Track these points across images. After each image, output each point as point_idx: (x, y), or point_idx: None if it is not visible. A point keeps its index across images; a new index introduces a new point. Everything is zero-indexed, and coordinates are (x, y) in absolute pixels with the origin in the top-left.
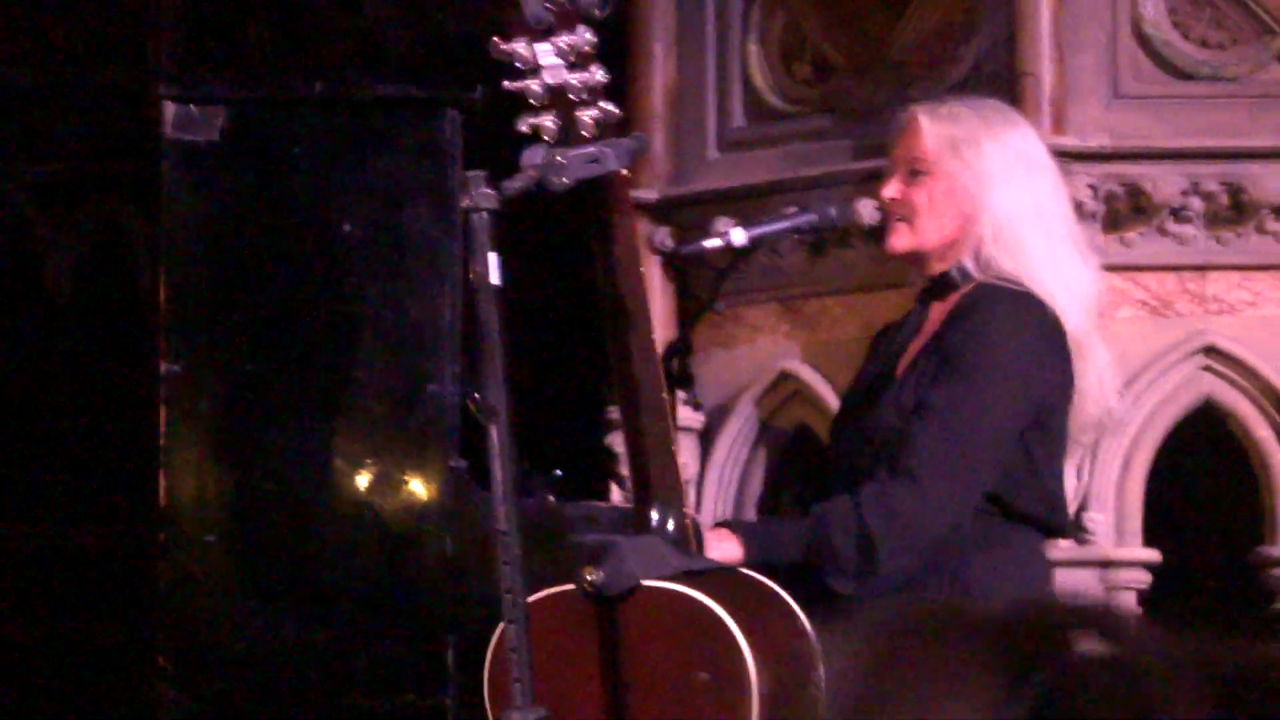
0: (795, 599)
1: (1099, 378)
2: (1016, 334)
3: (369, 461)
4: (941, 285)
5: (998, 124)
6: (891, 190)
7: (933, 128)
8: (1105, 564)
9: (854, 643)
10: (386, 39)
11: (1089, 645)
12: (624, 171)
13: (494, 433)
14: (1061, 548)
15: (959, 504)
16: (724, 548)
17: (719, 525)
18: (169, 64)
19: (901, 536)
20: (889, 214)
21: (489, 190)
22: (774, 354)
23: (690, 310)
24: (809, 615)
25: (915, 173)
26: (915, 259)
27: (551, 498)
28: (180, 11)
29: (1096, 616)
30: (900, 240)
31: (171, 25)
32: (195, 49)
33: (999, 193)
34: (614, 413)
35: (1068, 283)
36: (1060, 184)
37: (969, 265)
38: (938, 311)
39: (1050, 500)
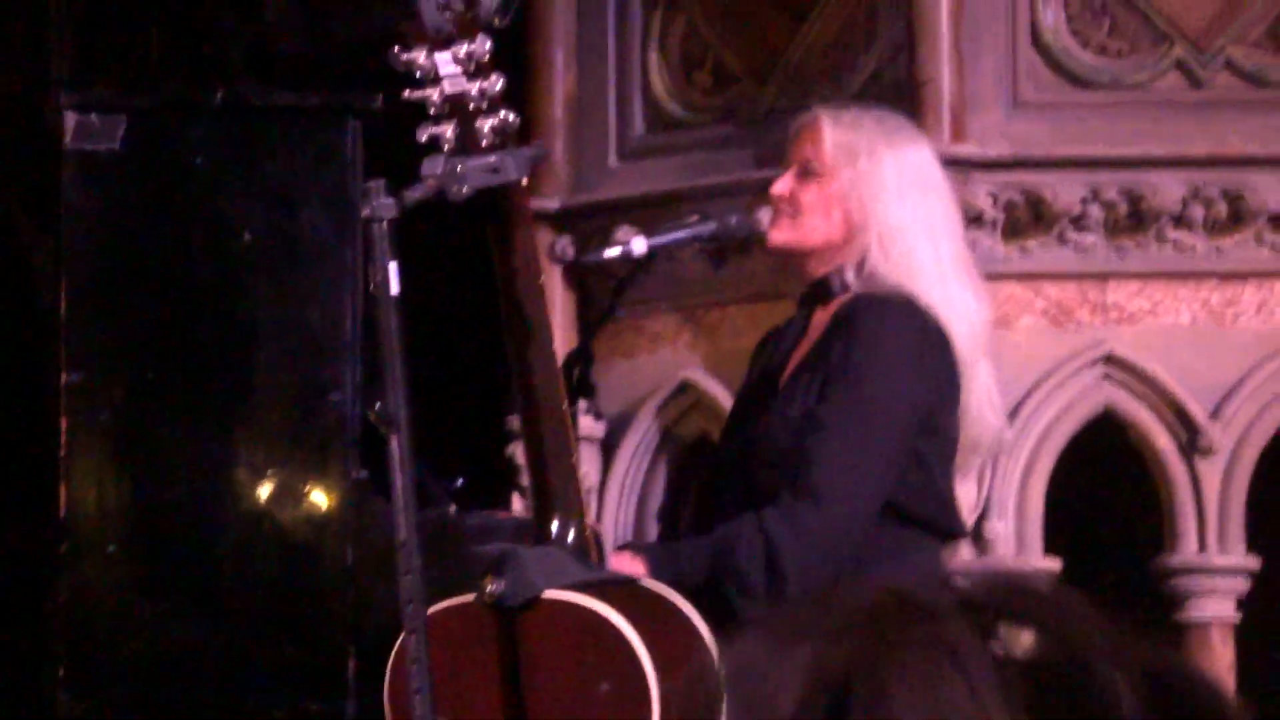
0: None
1: (982, 399)
2: (899, 340)
3: (269, 471)
4: (821, 291)
5: (898, 138)
6: (781, 186)
7: (833, 132)
8: None
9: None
10: (285, 46)
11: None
12: (523, 180)
13: (394, 442)
14: (962, 556)
15: (862, 518)
16: (627, 567)
17: (621, 549)
18: (65, 71)
19: (808, 556)
20: (775, 208)
21: (389, 199)
22: (675, 363)
23: (591, 319)
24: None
25: (808, 172)
26: (793, 256)
27: (452, 508)
28: (75, 18)
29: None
30: (780, 234)
31: (66, 32)
32: (90, 56)
33: (891, 206)
34: (514, 422)
35: (953, 303)
36: (954, 207)
37: (849, 275)
38: (819, 318)
39: (943, 503)
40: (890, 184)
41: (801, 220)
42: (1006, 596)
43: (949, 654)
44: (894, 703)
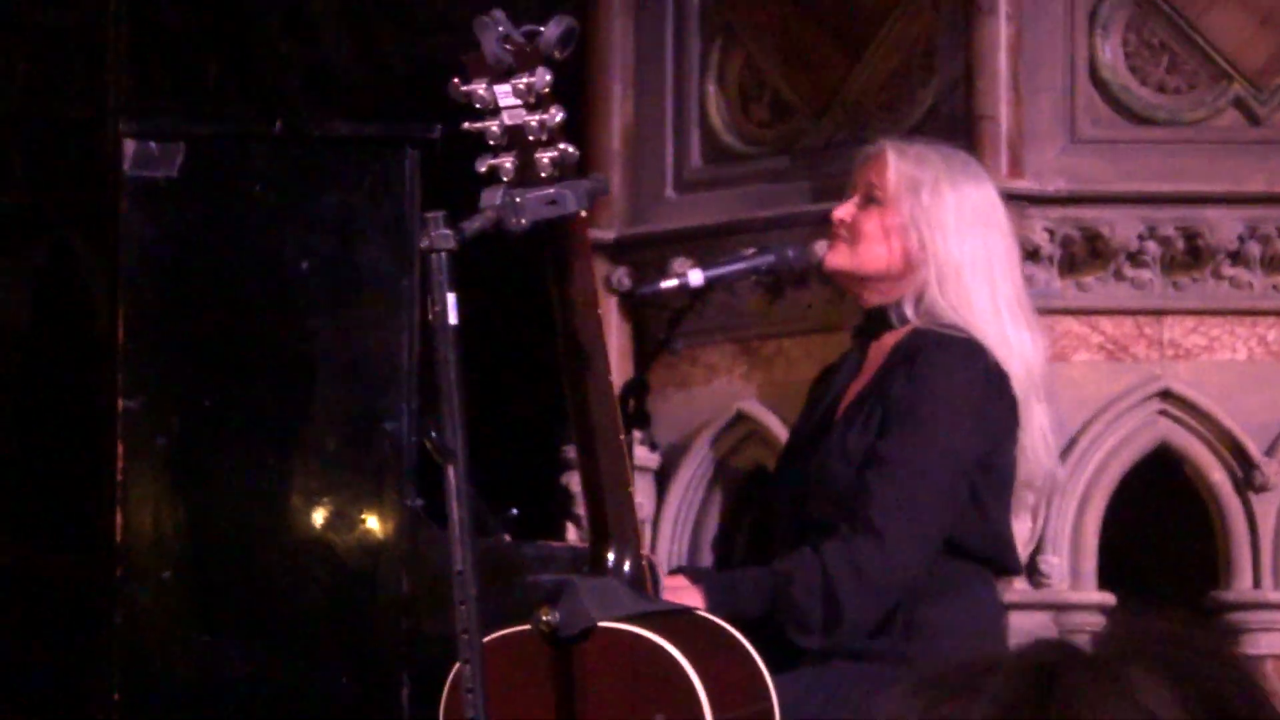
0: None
1: (1036, 438)
2: (961, 379)
3: (324, 498)
4: (878, 323)
5: (963, 174)
6: (843, 211)
7: (898, 163)
8: (1060, 607)
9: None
10: (343, 76)
11: None
12: (582, 212)
13: (450, 472)
14: (1016, 590)
15: (921, 556)
16: (684, 597)
17: (675, 572)
18: (124, 99)
19: (867, 593)
20: (834, 233)
21: (447, 231)
22: (730, 394)
23: (647, 350)
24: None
25: (870, 200)
26: (849, 282)
27: (507, 537)
28: (134, 46)
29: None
30: (838, 258)
31: (125, 60)
32: (149, 84)
33: (951, 241)
34: (570, 452)
35: (1010, 343)
36: (1015, 246)
37: (908, 309)
38: (875, 352)
39: (999, 541)
40: (951, 220)
41: (860, 247)
42: (1160, 646)
43: (1131, 703)
44: None
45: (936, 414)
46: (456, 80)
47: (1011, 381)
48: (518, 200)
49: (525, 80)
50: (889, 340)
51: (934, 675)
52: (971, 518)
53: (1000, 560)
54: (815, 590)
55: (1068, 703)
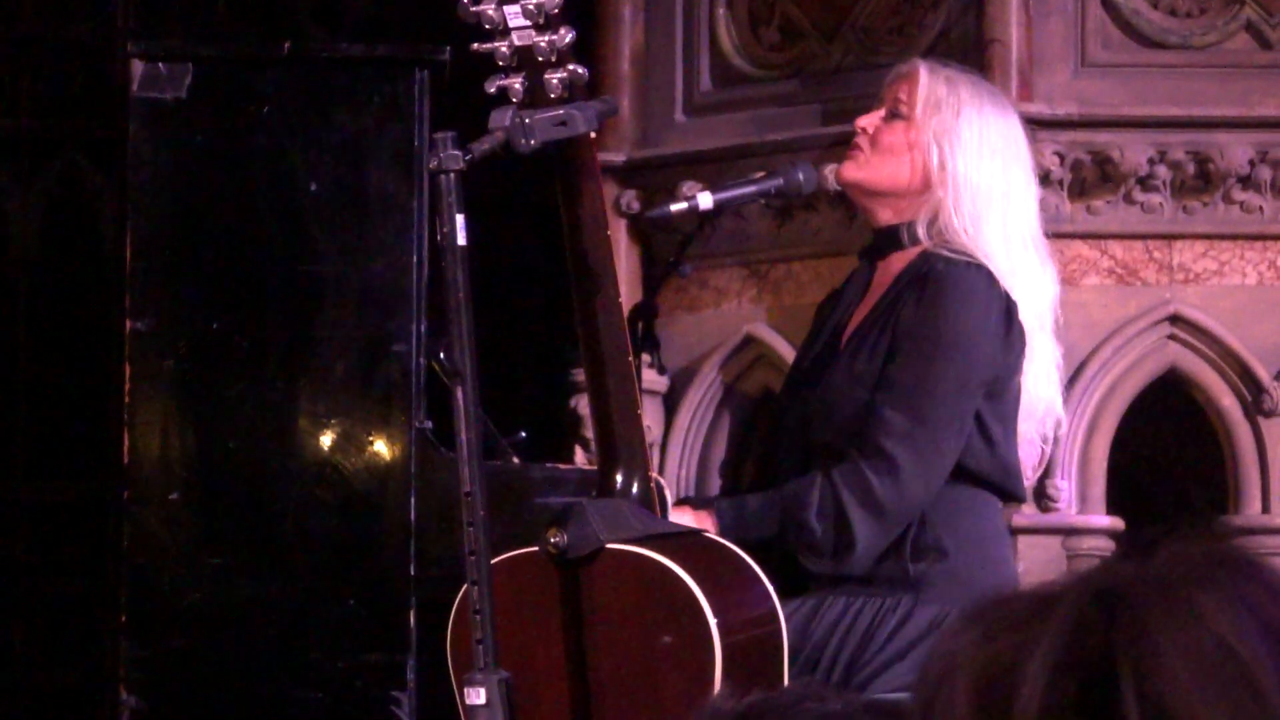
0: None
1: (1040, 372)
2: (972, 306)
3: (332, 420)
4: (888, 242)
5: (990, 104)
6: (866, 120)
7: (928, 82)
8: (1068, 531)
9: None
10: None
11: None
12: (591, 134)
13: (459, 394)
14: (1024, 514)
15: (931, 483)
16: (693, 522)
17: (680, 503)
18: (132, 20)
19: (878, 519)
20: (854, 143)
21: (456, 152)
22: (739, 318)
23: (656, 274)
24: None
25: (895, 115)
26: (863, 195)
27: (516, 459)
28: None
29: None
30: (852, 169)
31: None
32: (157, 5)
33: (971, 164)
34: (579, 375)
35: (1019, 273)
36: (1033, 183)
37: (920, 230)
38: (882, 274)
39: (1005, 468)
40: (974, 144)
41: (876, 159)
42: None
43: (1202, 628)
44: (1171, 676)
45: (946, 340)
46: (465, 0)
47: (1018, 310)
48: (527, 121)
49: (534, 0)
50: (897, 262)
51: (991, 605)
52: (978, 444)
53: (1006, 486)
54: (827, 515)
55: (1135, 629)
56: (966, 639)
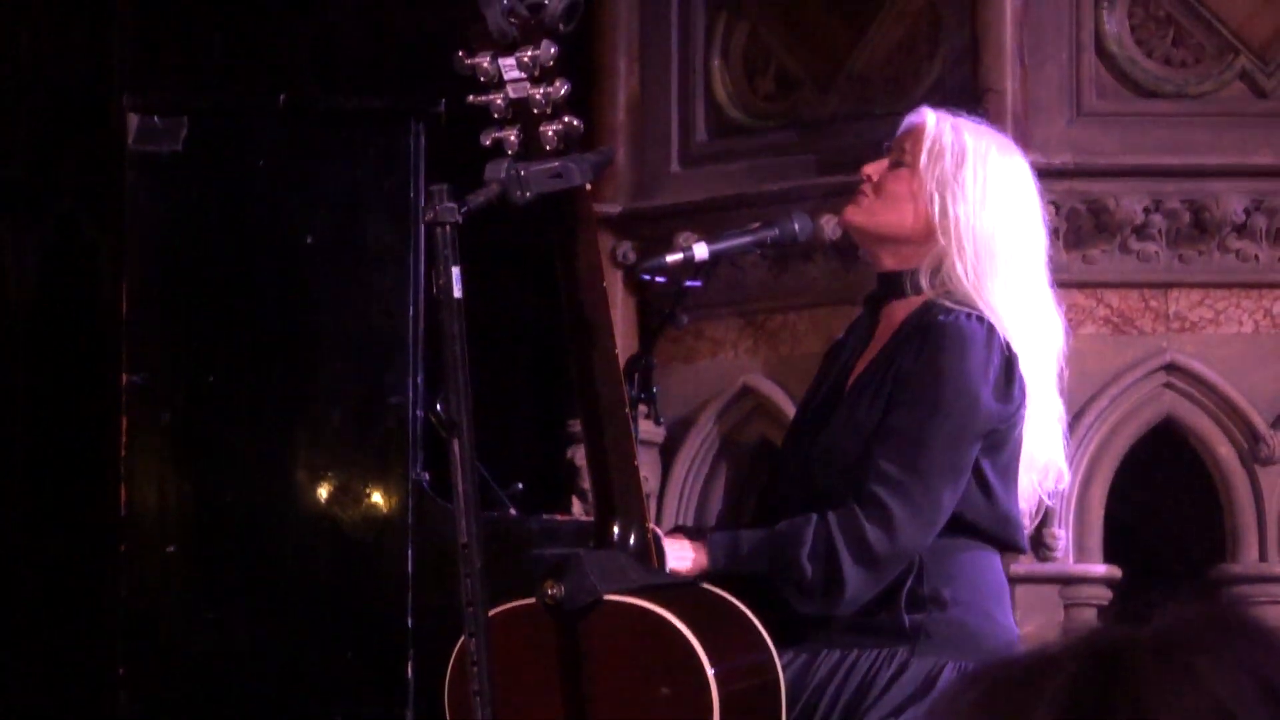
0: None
1: (1040, 426)
2: (972, 358)
3: (330, 472)
4: (890, 288)
5: (997, 153)
6: (872, 167)
7: (935, 131)
8: (1065, 580)
9: None
10: (348, 49)
11: None
12: (587, 185)
13: (456, 445)
14: (1022, 563)
15: (925, 533)
16: (686, 554)
17: (675, 531)
18: (128, 72)
19: (868, 566)
20: (859, 189)
21: (452, 204)
22: (736, 368)
23: (652, 324)
24: (767, 627)
25: (901, 163)
26: (865, 240)
27: (513, 511)
28: (138, 19)
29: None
30: (856, 213)
31: (130, 33)
32: (154, 58)
33: (975, 215)
34: (576, 426)
35: (1023, 323)
36: (1041, 233)
37: (923, 279)
38: (885, 321)
39: (1005, 520)
40: (975, 193)
41: (880, 204)
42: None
43: (1202, 693)
44: None
45: (946, 391)
46: (461, 53)
47: (1020, 364)
48: (522, 173)
49: (530, 53)
50: (900, 311)
51: (991, 667)
52: (977, 496)
53: (1006, 538)
54: (819, 556)
55: (1133, 693)
56: (966, 700)
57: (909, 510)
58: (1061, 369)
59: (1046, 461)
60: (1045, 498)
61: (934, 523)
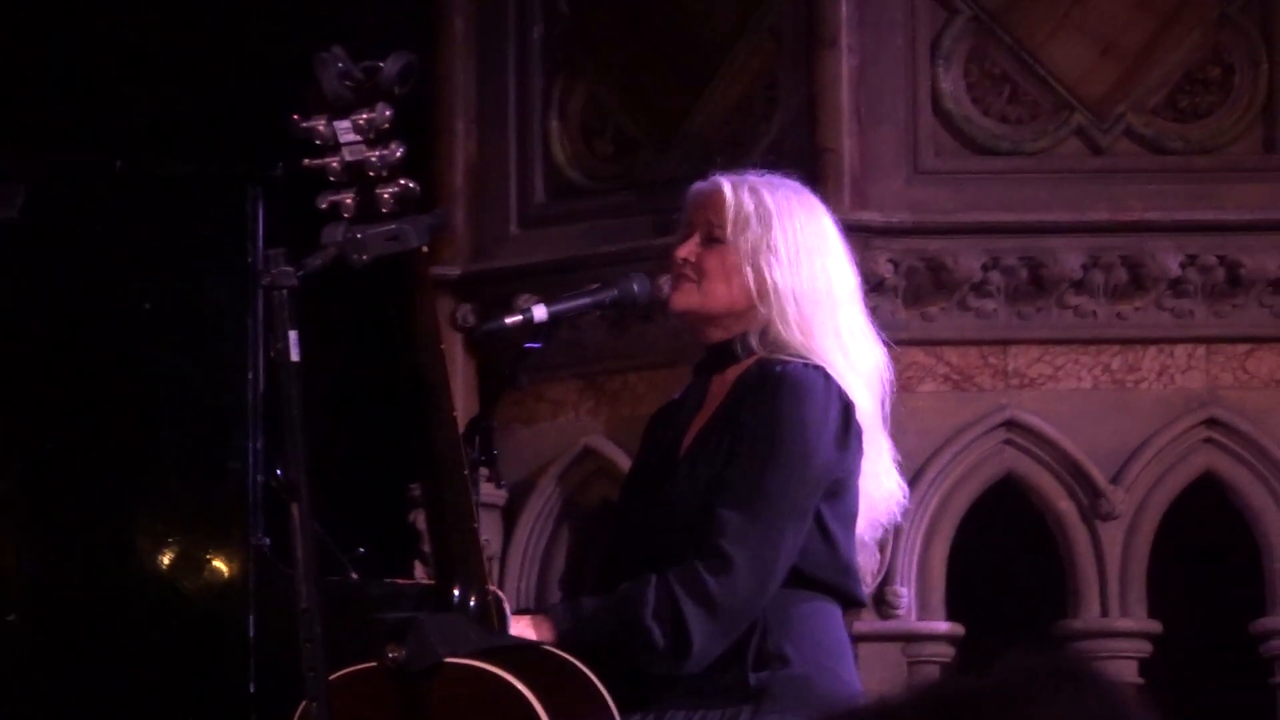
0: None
1: (878, 467)
2: (809, 407)
3: (170, 539)
4: (721, 356)
5: (795, 205)
6: (686, 250)
7: (734, 198)
8: (908, 638)
9: None
10: (185, 114)
11: None
12: (424, 248)
13: (295, 510)
14: (865, 621)
15: (768, 580)
16: (527, 635)
17: (519, 614)
18: None
19: (715, 620)
20: (678, 273)
21: (289, 268)
22: (577, 430)
23: (492, 387)
24: (610, 689)
25: (712, 239)
26: (696, 321)
27: (355, 575)
28: None
29: None
30: (685, 299)
31: None
32: None
33: (789, 273)
34: (416, 489)
35: (854, 370)
36: (854, 273)
37: (753, 340)
38: (718, 386)
39: (845, 571)
40: (789, 251)
41: (706, 286)
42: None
43: None
44: None
45: (783, 438)
46: (296, 116)
47: (856, 411)
48: (359, 236)
49: (365, 116)
50: (733, 373)
51: (836, 718)
52: (818, 545)
53: (846, 589)
54: (664, 615)
55: None
56: None
57: (750, 557)
58: (888, 409)
59: (886, 502)
60: (887, 534)
61: (776, 569)
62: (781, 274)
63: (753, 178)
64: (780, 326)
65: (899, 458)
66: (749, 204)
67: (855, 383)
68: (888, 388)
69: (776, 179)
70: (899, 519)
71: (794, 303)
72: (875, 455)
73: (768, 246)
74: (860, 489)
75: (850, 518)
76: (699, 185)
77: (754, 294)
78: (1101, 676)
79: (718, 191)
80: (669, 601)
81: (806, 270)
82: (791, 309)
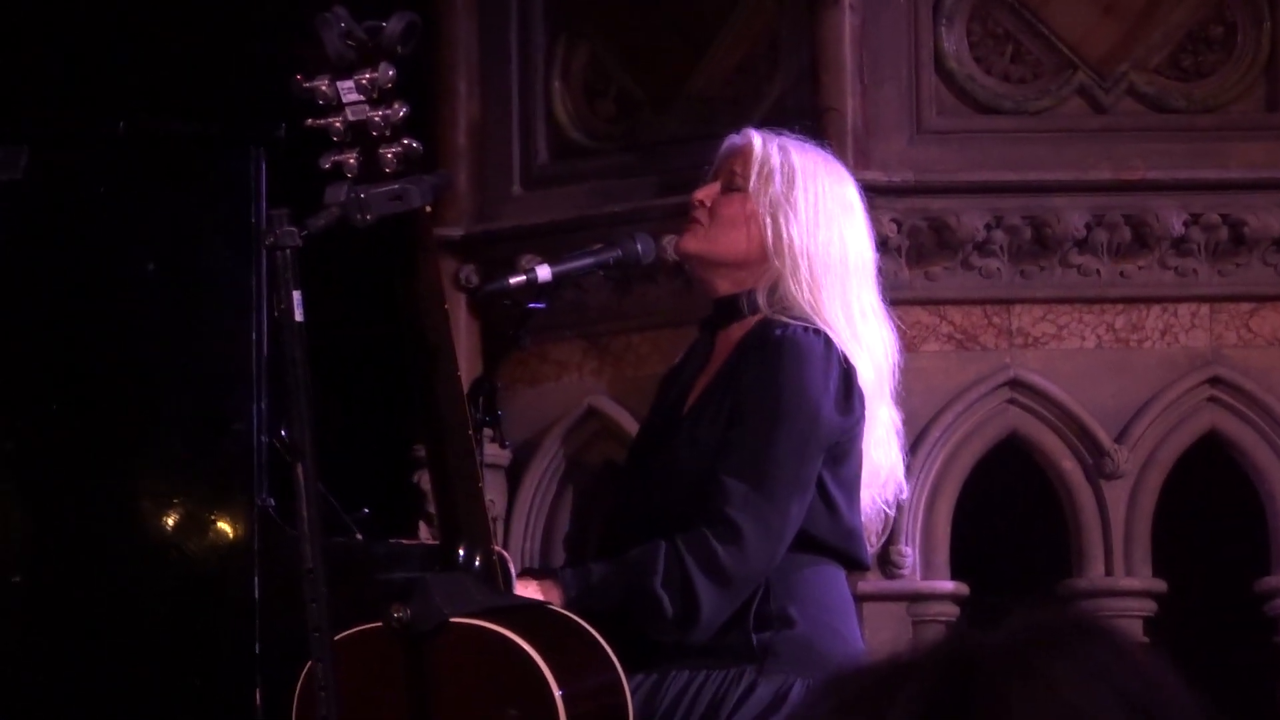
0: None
1: (881, 435)
2: (811, 370)
3: (174, 501)
4: (728, 312)
5: (823, 170)
6: (703, 193)
7: (762, 152)
8: (913, 597)
9: None
10: (187, 75)
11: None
12: (427, 208)
13: (300, 471)
14: (870, 581)
15: (776, 547)
16: (538, 594)
17: (523, 574)
18: None
19: (723, 586)
20: (692, 216)
21: (292, 228)
22: (580, 390)
23: (496, 347)
24: (614, 648)
25: (732, 187)
26: (702, 267)
27: (359, 535)
28: None
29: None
30: (692, 241)
31: None
32: None
33: (805, 233)
34: (420, 450)
35: (860, 338)
36: (871, 249)
37: (760, 298)
38: (723, 344)
39: (849, 535)
40: (808, 212)
41: (715, 231)
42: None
43: (1056, 698)
44: None
45: (785, 404)
46: (299, 76)
47: (857, 375)
48: (362, 196)
49: (368, 76)
50: (737, 332)
51: (845, 677)
52: (821, 510)
53: (850, 552)
54: (673, 583)
55: (990, 699)
56: (822, 712)
57: (757, 525)
58: (897, 382)
59: (888, 474)
60: (887, 509)
61: (783, 537)
62: (798, 231)
63: (786, 137)
64: (791, 283)
65: (902, 431)
66: (776, 159)
67: (857, 352)
68: (894, 368)
69: (812, 144)
70: (904, 493)
71: (806, 262)
72: (878, 424)
73: (788, 202)
74: (864, 454)
75: (853, 482)
76: (732, 137)
77: (768, 247)
78: (1114, 630)
79: (748, 143)
80: (679, 569)
81: (824, 234)
82: (804, 267)
